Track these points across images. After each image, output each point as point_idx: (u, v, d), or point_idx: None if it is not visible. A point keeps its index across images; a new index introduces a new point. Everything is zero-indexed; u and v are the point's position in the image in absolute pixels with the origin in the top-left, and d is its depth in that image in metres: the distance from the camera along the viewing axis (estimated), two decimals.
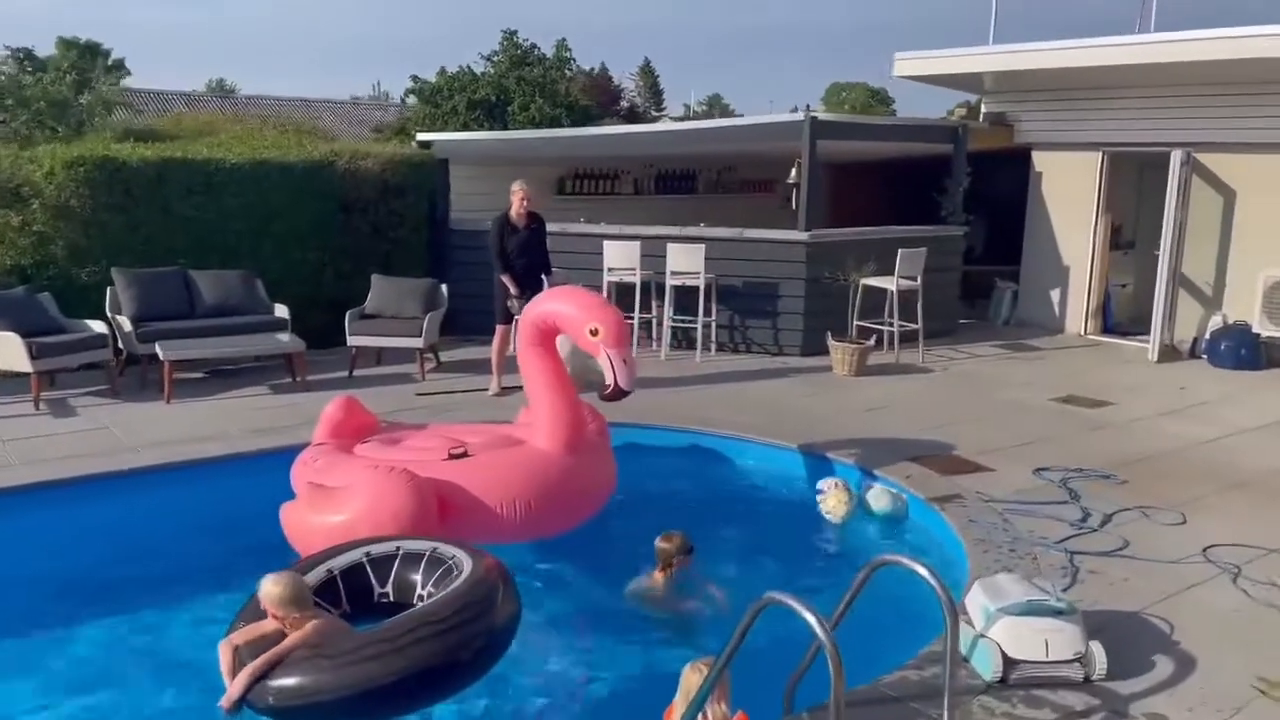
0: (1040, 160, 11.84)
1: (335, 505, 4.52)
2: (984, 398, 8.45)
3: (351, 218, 10.01)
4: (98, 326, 7.89)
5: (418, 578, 3.91)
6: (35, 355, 7.27)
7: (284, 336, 8.38)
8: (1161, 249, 10.18)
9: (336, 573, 3.79)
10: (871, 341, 9.42)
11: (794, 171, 9.99)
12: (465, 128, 17.27)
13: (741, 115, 29.03)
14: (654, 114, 42.69)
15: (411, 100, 20.35)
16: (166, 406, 7.55)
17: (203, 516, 5.33)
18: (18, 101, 13.37)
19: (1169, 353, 10.26)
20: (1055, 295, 11.88)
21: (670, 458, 6.96)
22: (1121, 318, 11.81)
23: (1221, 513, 5.70)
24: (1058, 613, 3.79)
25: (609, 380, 5.04)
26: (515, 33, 19.10)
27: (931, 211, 11.37)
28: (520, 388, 8.01)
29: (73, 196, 8.48)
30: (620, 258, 9.74)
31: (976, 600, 3.98)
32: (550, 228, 10.10)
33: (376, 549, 3.98)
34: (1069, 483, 6.13)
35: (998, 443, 7.00)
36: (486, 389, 8.15)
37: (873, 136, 11.13)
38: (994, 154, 12.04)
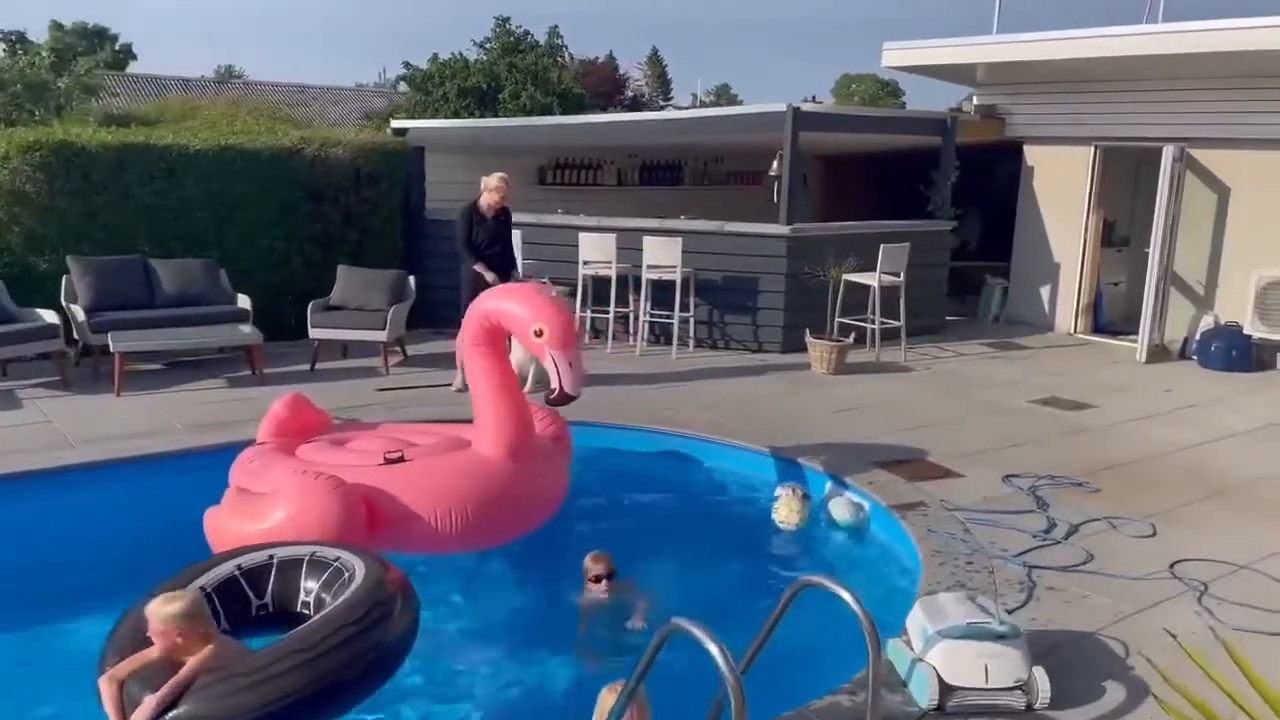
0: (1032, 154, 11.56)
1: (257, 512, 4.29)
2: (963, 398, 8.20)
3: (321, 206, 9.77)
4: (49, 316, 7.68)
5: (299, 585, 3.72)
6: None
7: (244, 328, 8.17)
8: (1152, 246, 9.91)
9: (210, 589, 3.55)
10: (850, 339, 9.17)
11: (775, 164, 9.73)
12: (456, 115, 17.04)
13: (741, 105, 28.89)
14: (661, 104, 42.37)
15: (403, 87, 20.08)
16: (116, 400, 7.33)
17: (127, 518, 5.10)
18: None
19: (1158, 353, 10.00)
20: (1045, 292, 11.60)
21: (630, 458, 6.72)
22: (1114, 317, 11.53)
23: (1196, 524, 5.46)
24: (999, 636, 3.56)
25: (554, 384, 4.77)
26: (508, 19, 18.86)
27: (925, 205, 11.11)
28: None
29: (28, 182, 8.27)
30: (596, 250, 9.50)
31: (916, 621, 3.76)
32: (526, 218, 9.93)
33: (247, 560, 3.75)
34: (1038, 490, 5.88)
35: (971, 446, 6.76)
36: (450, 384, 7.93)
37: (858, 128, 10.86)
38: (990, 147, 11.76)
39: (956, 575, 4.64)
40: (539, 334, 4.61)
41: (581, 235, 9.50)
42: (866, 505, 5.74)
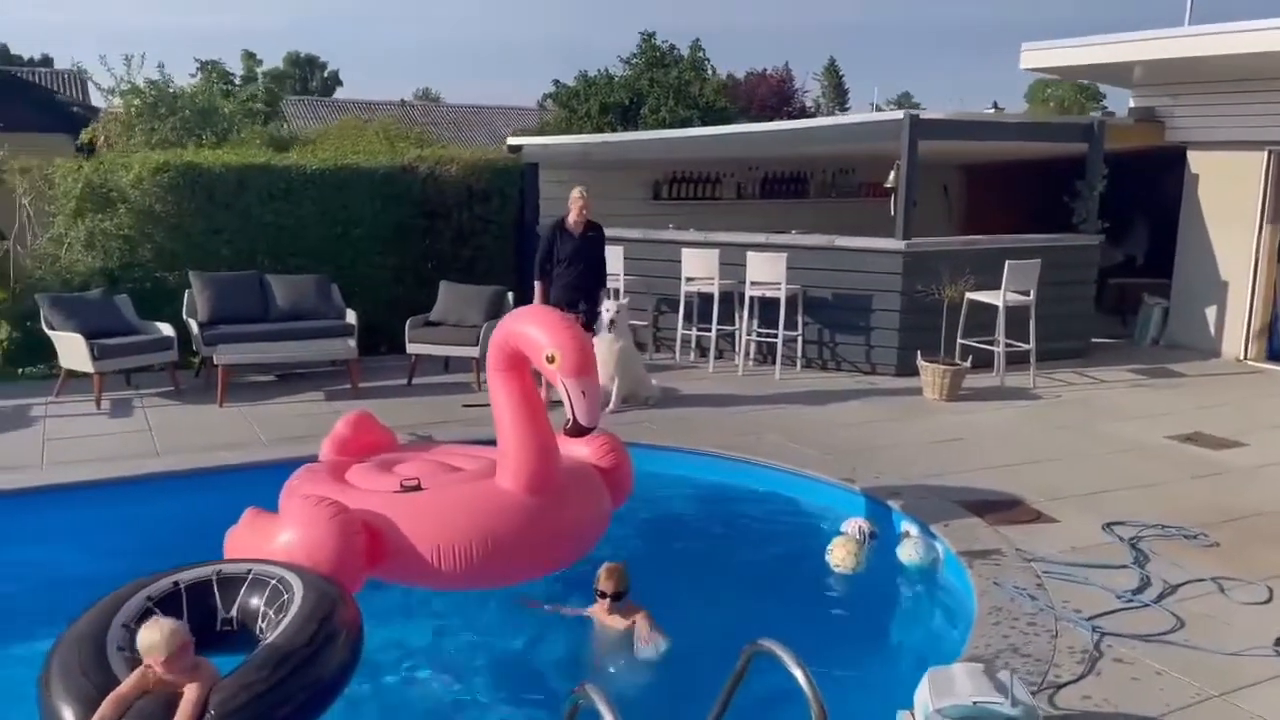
0: (1196, 161, 10.45)
1: (264, 534, 4.26)
2: (1088, 431, 7.42)
3: (434, 223, 9.96)
4: (166, 329, 8.11)
5: (216, 604, 3.69)
6: (97, 356, 7.51)
7: (345, 342, 8.36)
8: None
9: (152, 603, 3.53)
10: (968, 363, 8.51)
11: (892, 175, 9.16)
12: (598, 130, 17.13)
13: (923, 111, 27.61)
14: (836, 114, 41.43)
15: (550, 105, 20.44)
16: (218, 410, 7.65)
17: (169, 530, 5.19)
18: (170, 110, 14.16)
19: None
20: (1211, 314, 10.45)
21: (693, 485, 6.42)
22: None
23: None
24: None
25: (567, 414, 4.43)
26: (653, 34, 18.83)
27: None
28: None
29: (158, 201, 8.79)
30: (699, 266, 9.24)
31: (921, 696, 3.31)
32: (632, 234, 9.79)
33: (154, 588, 3.65)
34: (1140, 542, 5.18)
35: (1077, 487, 6.07)
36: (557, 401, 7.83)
37: (989, 136, 10.08)
38: (1150, 153, 10.74)
39: (1010, 638, 4.10)
40: (551, 360, 4.34)
41: (684, 251, 9.25)
42: (939, 549, 5.22)
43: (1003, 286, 8.66)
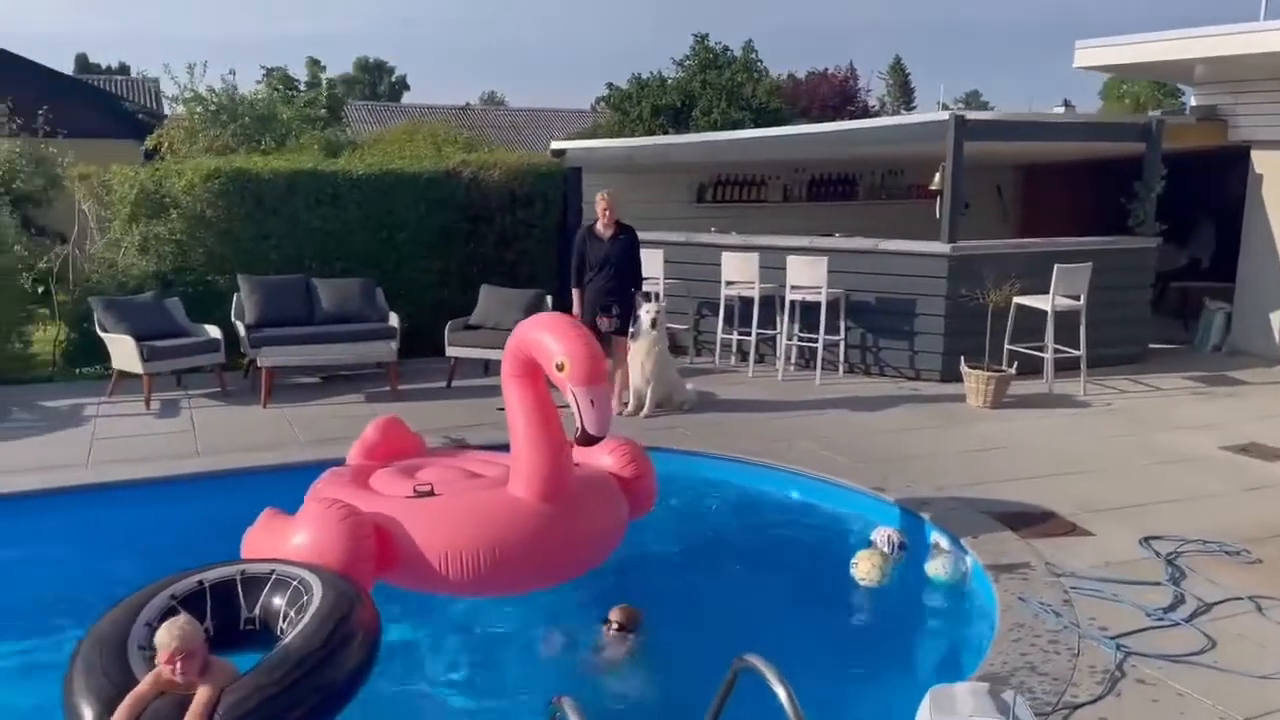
0: (1260, 161, 10.06)
1: (278, 535, 4.33)
2: (1137, 441, 7.19)
3: (478, 227, 10.05)
4: (213, 331, 8.31)
5: (239, 604, 3.75)
6: (146, 358, 7.73)
7: (387, 345, 8.47)
8: None
9: (177, 601, 3.60)
10: (1012, 369, 8.31)
11: (937, 177, 8.99)
12: (649, 133, 17.13)
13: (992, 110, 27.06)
14: (901, 113, 40.84)
15: (602, 108, 20.48)
16: (261, 411, 7.81)
17: (198, 531, 5.26)
18: (231, 116, 14.53)
19: None
20: (1275, 319, 10.06)
21: (719, 490, 6.37)
22: None
23: None
24: None
25: (577, 423, 4.38)
26: (706, 36, 18.76)
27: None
28: None
29: (209, 207, 9.00)
30: (738, 270, 9.18)
31: (923, 714, 3.22)
32: (673, 237, 9.77)
33: (179, 587, 3.73)
34: (1178, 558, 5.00)
35: (1118, 499, 5.88)
36: (565, 405, 7.84)
37: (1036, 137, 9.83)
38: (1217, 154, 10.38)
39: (1029, 656, 3.99)
40: (560, 368, 4.32)
41: (724, 254, 9.20)
42: (968, 562, 5.10)
43: (1051, 291, 8.44)
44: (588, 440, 4.36)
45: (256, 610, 3.72)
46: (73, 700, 3.21)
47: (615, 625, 4.38)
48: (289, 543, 4.19)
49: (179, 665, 3.13)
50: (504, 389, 4.64)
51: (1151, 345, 10.32)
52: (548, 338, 4.41)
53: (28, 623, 4.53)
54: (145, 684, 3.17)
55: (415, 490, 4.56)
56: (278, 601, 3.71)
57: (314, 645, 3.32)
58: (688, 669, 4.05)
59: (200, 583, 3.73)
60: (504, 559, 4.25)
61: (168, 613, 3.50)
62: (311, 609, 3.52)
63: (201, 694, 3.11)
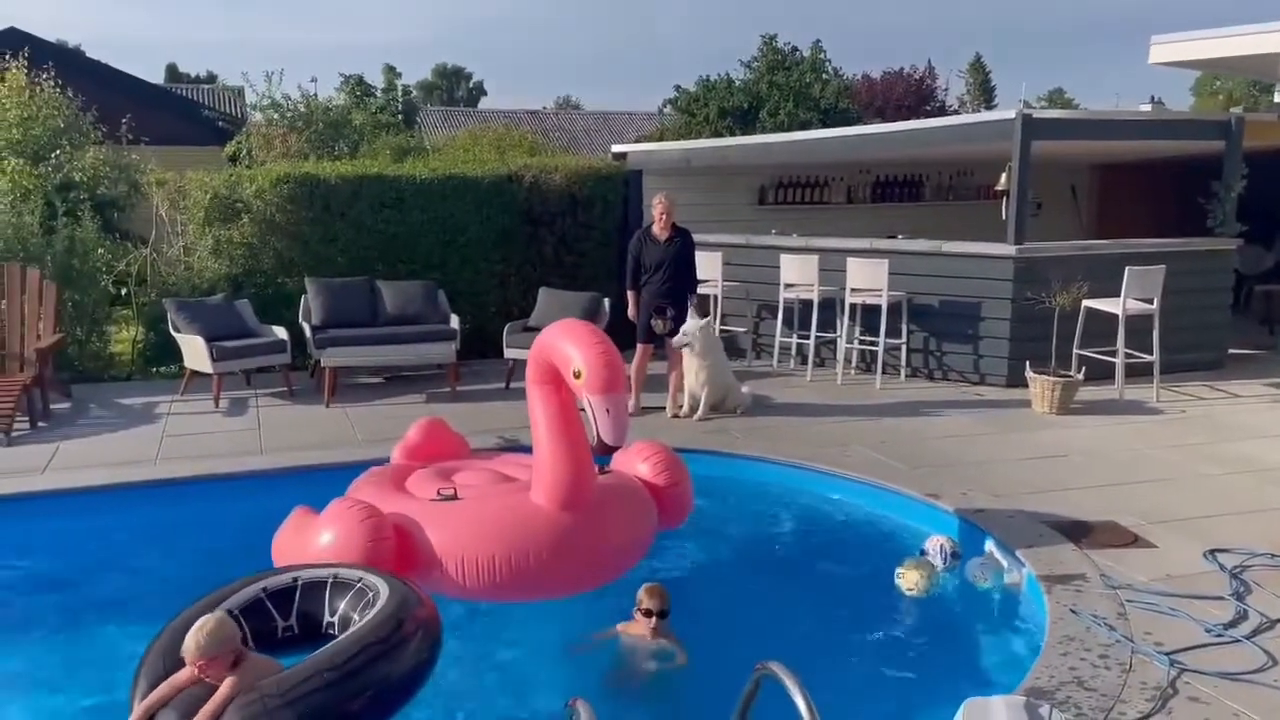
0: None
1: (304, 533, 4.40)
2: (1206, 451, 6.92)
3: (538, 230, 10.14)
4: (280, 332, 8.53)
5: (323, 606, 3.78)
6: (215, 358, 7.97)
7: (447, 346, 8.59)
8: None
9: (235, 611, 3.67)
10: (1081, 374, 8.07)
11: (1004, 177, 8.78)
12: (716, 135, 17.08)
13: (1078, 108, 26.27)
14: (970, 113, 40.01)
15: (669, 110, 20.48)
16: (324, 411, 7.99)
17: (254, 528, 5.35)
18: (306, 123, 14.93)
19: None
20: None
21: (769, 494, 6.31)
22: None
23: None
24: None
25: (592, 431, 4.27)
26: (775, 36, 18.61)
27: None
28: (661, 408, 7.82)
29: (278, 211, 9.25)
30: (798, 272, 9.10)
31: None
32: (732, 239, 9.73)
33: (271, 582, 3.81)
34: (1244, 572, 4.80)
35: (1185, 510, 5.67)
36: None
37: (1107, 135, 9.51)
38: None
39: (1077, 670, 3.87)
40: (578, 375, 4.22)
41: (783, 257, 9.12)
42: (1020, 572, 4.96)
43: (1123, 294, 8.19)
44: (605, 449, 4.25)
45: (336, 616, 3.75)
46: (136, 676, 3.38)
47: (654, 612, 4.30)
48: (313, 540, 4.27)
49: (201, 668, 3.22)
50: (528, 395, 4.59)
51: (1232, 350, 9.93)
52: (567, 345, 4.33)
53: (96, 615, 4.71)
54: (184, 673, 3.28)
55: (439, 493, 4.59)
56: (352, 610, 3.71)
57: (336, 661, 3.27)
58: (720, 674, 4.02)
59: (295, 580, 3.81)
60: (521, 566, 4.22)
61: (251, 604, 3.63)
62: (369, 615, 3.52)
63: (219, 692, 3.17)
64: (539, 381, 4.49)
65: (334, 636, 3.62)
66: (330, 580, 3.82)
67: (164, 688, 3.26)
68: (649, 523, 4.75)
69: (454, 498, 4.50)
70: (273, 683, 3.20)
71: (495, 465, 5.23)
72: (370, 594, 3.69)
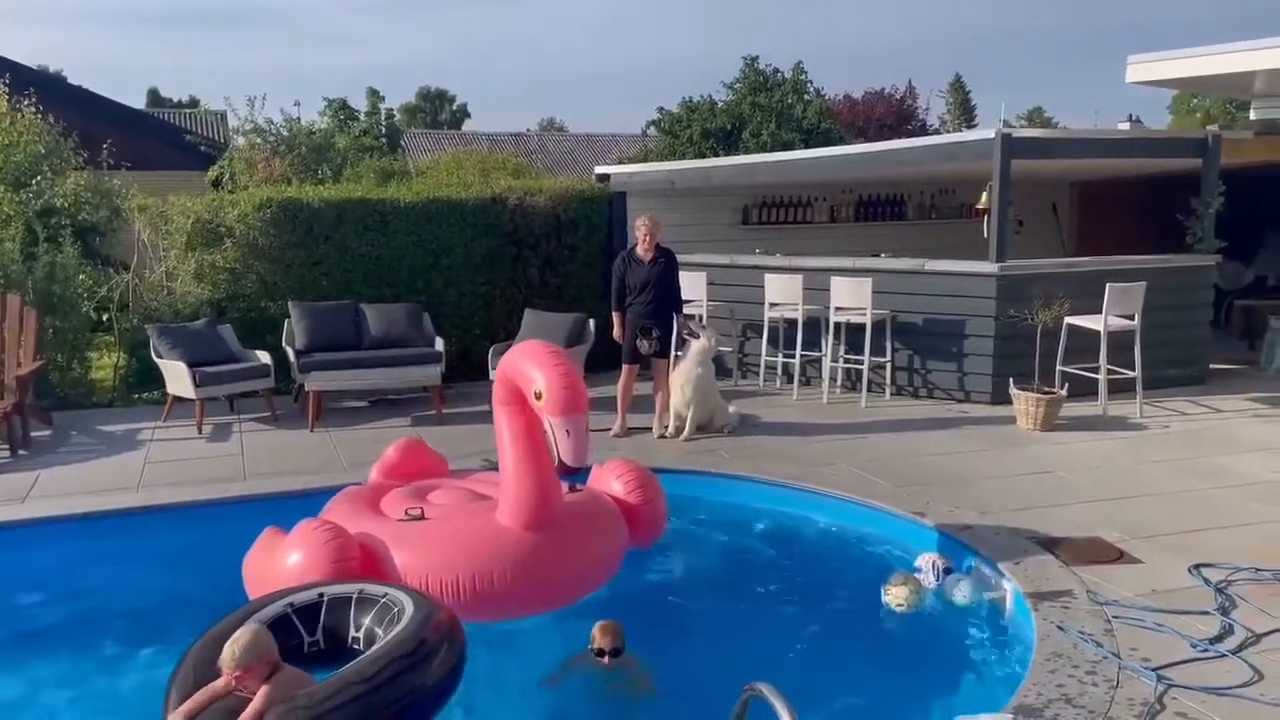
0: None
1: (273, 553, 4.39)
2: (1190, 466, 6.96)
3: (523, 252, 10.15)
4: (264, 357, 8.49)
5: (349, 621, 3.82)
6: (198, 383, 7.92)
7: (432, 369, 8.56)
8: None
9: (293, 610, 3.74)
10: (1063, 391, 8.11)
11: (984, 196, 8.86)
12: (699, 156, 17.16)
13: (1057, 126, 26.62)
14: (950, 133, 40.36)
15: (652, 132, 20.58)
16: (308, 435, 7.95)
17: (236, 553, 5.36)
18: (289, 147, 14.93)
19: None
20: None
21: (751, 513, 6.29)
22: None
23: None
24: None
25: (553, 453, 4.28)
26: (756, 58, 18.77)
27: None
28: (647, 429, 7.82)
29: (261, 235, 9.22)
30: (782, 292, 9.13)
31: None
32: (716, 259, 9.77)
33: (299, 598, 3.84)
34: (1229, 587, 4.82)
35: (1170, 526, 5.69)
36: (609, 429, 7.87)
37: (1087, 154, 9.61)
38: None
39: (1065, 687, 3.86)
40: (538, 396, 4.25)
41: (767, 276, 9.15)
42: (1005, 588, 4.97)
43: (1104, 310, 8.25)
44: (566, 471, 4.28)
45: (361, 632, 3.78)
46: (168, 688, 3.43)
47: (606, 652, 4.25)
48: (280, 561, 4.29)
49: (237, 679, 3.28)
50: (494, 416, 4.61)
51: (1214, 365, 10.00)
52: (529, 366, 4.37)
53: (71, 640, 4.66)
54: (220, 682, 3.34)
55: (406, 513, 4.60)
56: (377, 626, 3.74)
57: (366, 674, 3.32)
58: (706, 695, 4.00)
59: (320, 595, 3.85)
60: (485, 585, 4.24)
61: (279, 619, 3.67)
62: (392, 633, 3.56)
63: (254, 703, 3.23)
64: (504, 402, 4.52)
65: (358, 652, 3.69)
66: (355, 596, 3.86)
67: (201, 694, 3.32)
68: (617, 541, 4.78)
69: (421, 517, 4.51)
70: (307, 695, 3.26)
71: (470, 484, 5.23)
72: (395, 609, 3.74)
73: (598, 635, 4.27)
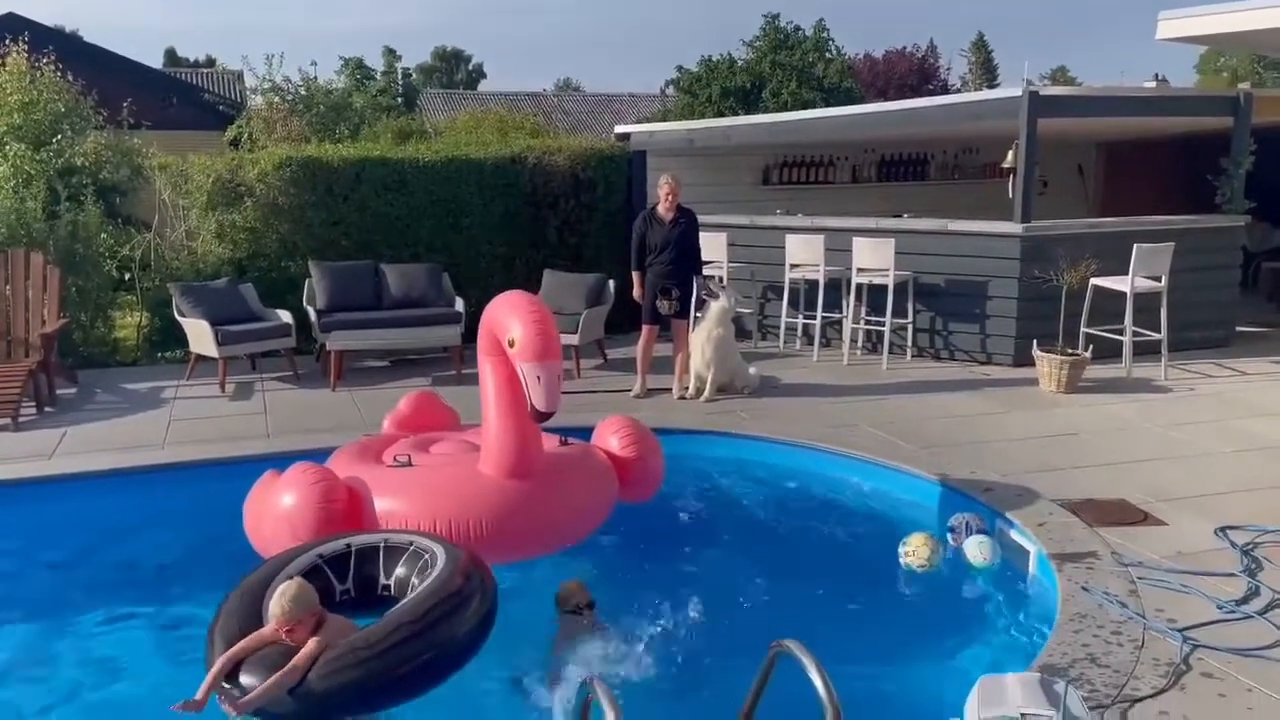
0: None
1: (267, 494, 4.47)
2: (1215, 428, 6.90)
3: (542, 212, 10.10)
4: (285, 316, 8.51)
5: (378, 570, 3.92)
6: (221, 342, 7.95)
7: (451, 329, 8.57)
8: None
9: (323, 560, 3.83)
10: (1088, 353, 8.04)
11: (1010, 155, 8.72)
12: (719, 115, 16.98)
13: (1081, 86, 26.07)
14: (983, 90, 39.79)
15: (671, 91, 20.36)
16: (330, 394, 7.98)
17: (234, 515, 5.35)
18: (306, 106, 14.86)
19: None
20: None
21: (771, 473, 6.29)
22: None
23: None
24: None
25: (526, 399, 4.28)
26: (777, 16, 18.46)
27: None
28: (667, 390, 7.81)
29: (281, 195, 9.20)
30: (803, 252, 9.06)
31: (971, 706, 3.14)
32: (737, 220, 9.69)
33: (327, 549, 3.91)
34: (1255, 549, 4.79)
35: (1195, 488, 5.65)
36: (630, 390, 7.86)
37: (1115, 112, 9.44)
38: None
39: (1090, 647, 3.86)
40: (511, 344, 4.26)
41: (788, 237, 9.08)
42: (1033, 549, 4.95)
43: (1130, 272, 8.15)
44: (539, 417, 4.27)
45: (391, 579, 3.88)
46: (211, 635, 3.50)
47: (583, 606, 4.25)
48: (272, 501, 4.38)
49: (287, 632, 3.36)
50: (479, 367, 4.70)
51: (1241, 328, 9.90)
52: (506, 315, 4.41)
53: (101, 593, 4.72)
54: (268, 629, 3.42)
55: (394, 459, 4.69)
56: (408, 573, 3.84)
57: (417, 614, 3.43)
58: (728, 653, 4.02)
59: (348, 546, 3.95)
60: (461, 531, 4.32)
61: (312, 569, 3.76)
62: (429, 576, 3.66)
63: (306, 648, 3.30)
64: (487, 353, 4.60)
65: (390, 599, 3.78)
66: (382, 544, 3.95)
67: (249, 640, 3.38)
68: (606, 492, 4.84)
69: (408, 464, 4.62)
70: (361, 637, 3.36)
71: (472, 437, 5.27)
72: (426, 555, 3.84)
73: (574, 592, 4.29)
